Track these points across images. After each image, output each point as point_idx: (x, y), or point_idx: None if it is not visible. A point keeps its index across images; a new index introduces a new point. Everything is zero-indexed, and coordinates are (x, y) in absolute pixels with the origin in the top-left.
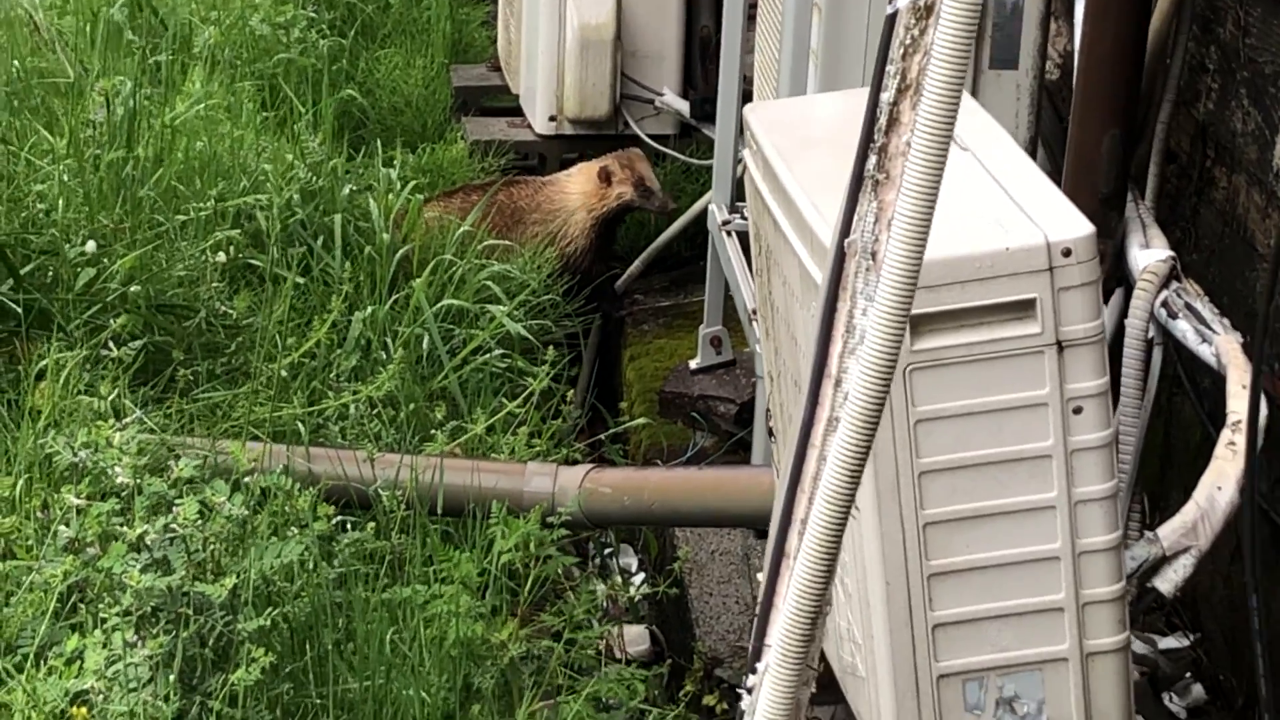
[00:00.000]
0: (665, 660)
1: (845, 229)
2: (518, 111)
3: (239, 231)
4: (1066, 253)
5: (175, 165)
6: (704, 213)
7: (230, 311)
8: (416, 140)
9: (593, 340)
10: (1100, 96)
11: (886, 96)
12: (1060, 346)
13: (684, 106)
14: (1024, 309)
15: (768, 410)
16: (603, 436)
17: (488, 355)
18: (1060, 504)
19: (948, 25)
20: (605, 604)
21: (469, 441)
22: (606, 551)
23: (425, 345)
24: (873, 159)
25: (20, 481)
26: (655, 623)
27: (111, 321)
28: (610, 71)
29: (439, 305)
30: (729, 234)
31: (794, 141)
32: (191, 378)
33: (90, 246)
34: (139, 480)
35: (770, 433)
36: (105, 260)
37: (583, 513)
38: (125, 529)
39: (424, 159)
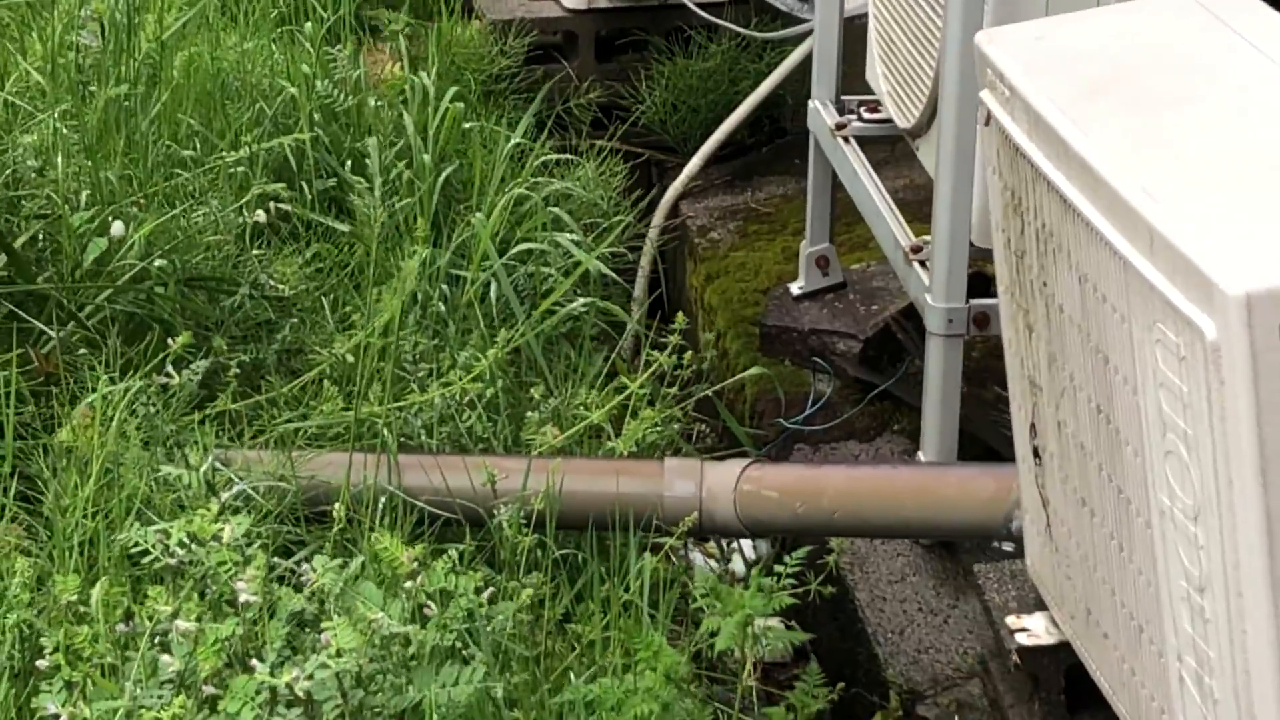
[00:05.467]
0: (833, 684)
1: None
2: None
3: (276, 181)
4: None
5: (179, 95)
6: (772, 96)
7: (281, 286)
8: (419, 17)
9: (648, 250)
10: None
11: None
12: None
13: None
14: None
15: (1032, 426)
16: (709, 391)
17: (570, 305)
18: None
19: None
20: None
21: (580, 432)
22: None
23: (493, 295)
24: None
25: (100, 584)
26: (795, 619)
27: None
28: None
29: (509, 251)
30: (846, 140)
31: (1073, 89)
32: (239, 371)
33: (118, 228)
34: (268, 596)
35: (1036, 454)
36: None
37: (740, 521)
38: (261, 666)
39: (437, 43)
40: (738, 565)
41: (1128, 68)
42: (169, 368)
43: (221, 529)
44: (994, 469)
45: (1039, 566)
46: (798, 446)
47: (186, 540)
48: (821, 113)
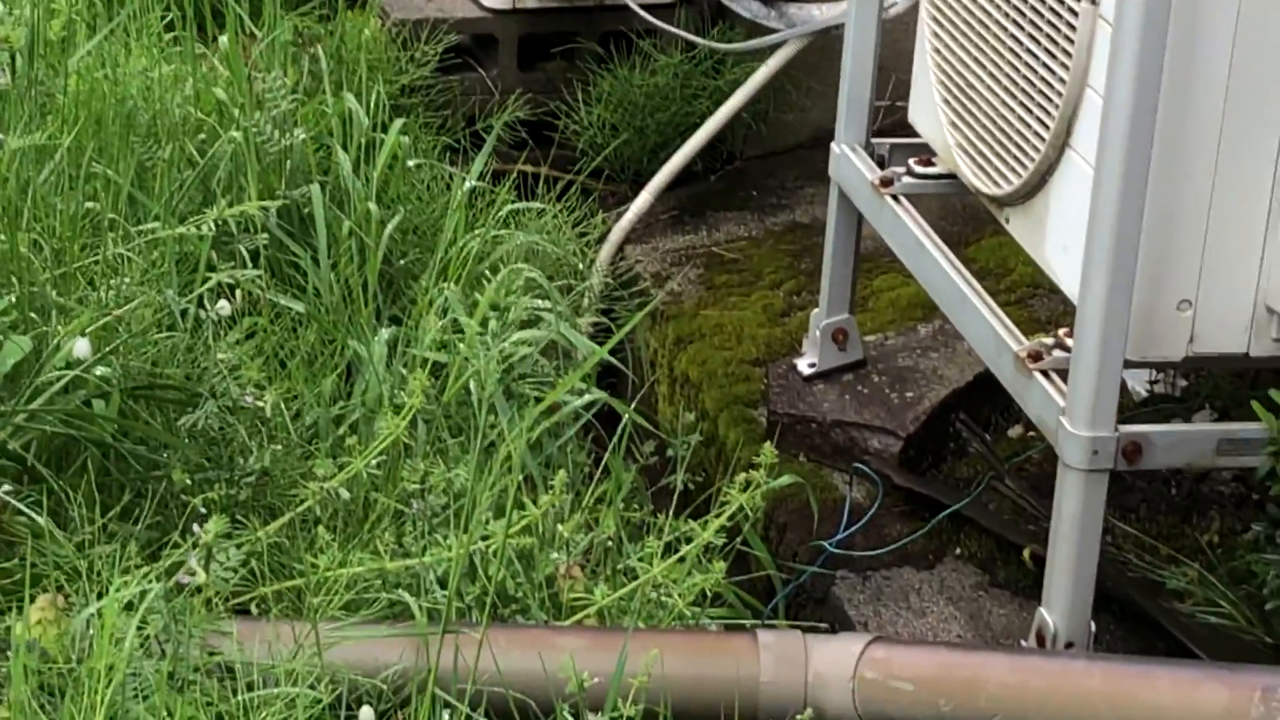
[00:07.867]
0: None
1: None
2: None
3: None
4: None
5: (82, 136)
6: (733, 121)
7: (262, 405)
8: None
9: (592, 304)
10: None
11: None
12: None
13: None
14: None
15: None
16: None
17: (573, 403)
18: None
19: None
20: None
21: (634, 590)
22: None
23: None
24: None
25: None
26: None
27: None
28: None
29: (498, 342)
30: (895, 199)
31: None
32: (205, 512)
33: (82, 347)
34: None
35: None
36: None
37: (861, 719)
38: None
39: (331, 45)
40: None
41: None
42: (192, 562)
43: None
44: (1221, 671)
45: None
46: (840, 574)
47: None
48: (854, 161)
